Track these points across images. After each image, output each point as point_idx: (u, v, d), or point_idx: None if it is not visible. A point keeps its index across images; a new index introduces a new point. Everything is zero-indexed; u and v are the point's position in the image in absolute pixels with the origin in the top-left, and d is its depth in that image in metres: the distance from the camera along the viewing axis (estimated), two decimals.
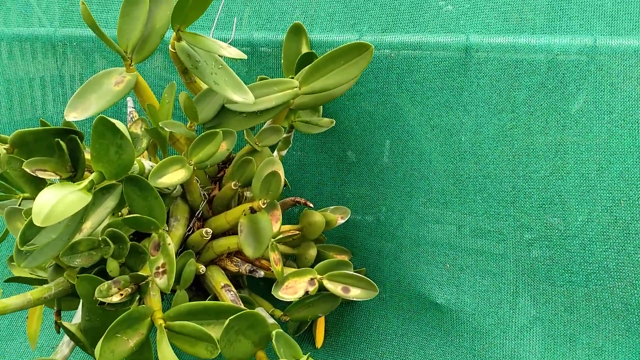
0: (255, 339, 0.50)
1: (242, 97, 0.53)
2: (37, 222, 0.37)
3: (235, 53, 0.51)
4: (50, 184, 0.60)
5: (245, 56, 0.50)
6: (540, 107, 0.61)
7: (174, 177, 0.53)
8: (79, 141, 0.54)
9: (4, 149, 0.50)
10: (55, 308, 0.55)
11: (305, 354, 0.50)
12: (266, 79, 0.64)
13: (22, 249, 0.39)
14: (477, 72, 0.63)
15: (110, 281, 0.47)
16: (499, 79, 0.62)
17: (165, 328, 0.47)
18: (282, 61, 0.67)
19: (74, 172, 0.56)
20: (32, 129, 0.54)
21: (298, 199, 0.67)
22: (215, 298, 0.59)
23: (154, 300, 0.51)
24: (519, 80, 0.61)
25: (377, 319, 0.69)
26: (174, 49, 0.54)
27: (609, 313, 0.59)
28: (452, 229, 0.65)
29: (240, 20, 0.71)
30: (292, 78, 0.60)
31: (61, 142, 0.53)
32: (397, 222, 0.68)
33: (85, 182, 0.44)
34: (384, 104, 0.67)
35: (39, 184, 0.56)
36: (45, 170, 0.55)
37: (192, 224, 0.62)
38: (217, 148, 0.53)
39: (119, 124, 0.43)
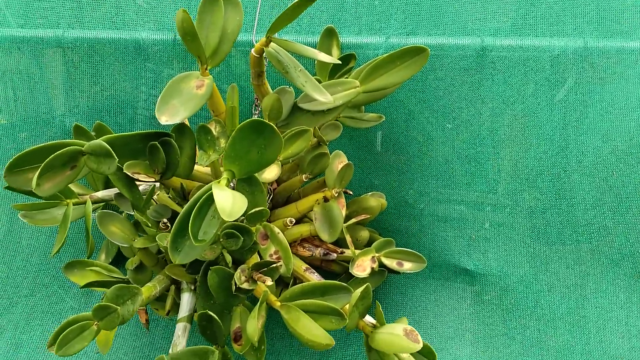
0: (361, 310, 0.56)
1: (323, 97, 0.59)
2: (226, 218, 0.41)
3: (326, 57, 0.56)
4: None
5: (339, 61, 0.56)
6: (545, 98, 0.73)
7: (270, 173, 0.57)
8: (174, 143, 0.57)
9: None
10: (167, 305, 0.57)
11: None
12: (319, 80, 0.69)
13: (196, 244, 0.43)
14: (491, 69, 0.73)
15: (238, 270, 0.51)
16: (510, 75, 0.73)
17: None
18: (316, 62, 0.72)
19: (162, 173, 0.59)
20: (121, 134, 0.55)
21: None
22: (296, 281, 0.64)
23: (263, 286, 0.56)
24: (527, 76, 0.73)
25: (411, 290, 0.79)
26: (258, 54, 0.58)
27: (609, 262, 0.73)
28: (475, 205, 0.76)
29: (269, 24, 0.76)
30: (347, 78, 0.66)
31: (158, 145, 0.56)
32: (423, 203, 0.78)
33: (224, 182, 0.47)
34: (409, 99, 0.75)
35: (132, 186, 0.58)
36: (138, 173, 0.57)
37: None
38: (307, 144, 0.58)
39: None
